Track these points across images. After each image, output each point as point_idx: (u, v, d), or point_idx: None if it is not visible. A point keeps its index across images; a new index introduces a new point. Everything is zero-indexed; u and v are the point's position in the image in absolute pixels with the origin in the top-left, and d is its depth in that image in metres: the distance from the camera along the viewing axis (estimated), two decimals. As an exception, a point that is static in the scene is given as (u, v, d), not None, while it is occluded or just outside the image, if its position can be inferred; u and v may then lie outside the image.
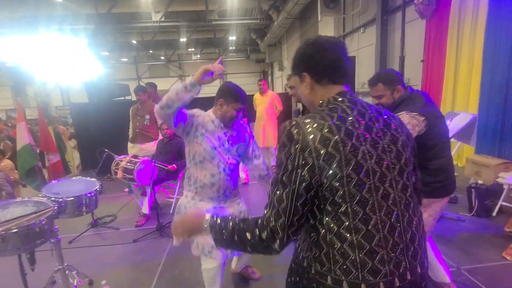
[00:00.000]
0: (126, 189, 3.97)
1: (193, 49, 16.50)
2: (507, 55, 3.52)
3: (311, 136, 0.71)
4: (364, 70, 6.97)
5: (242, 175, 4.33)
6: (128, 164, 2.86)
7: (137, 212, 3.26)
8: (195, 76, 1.41)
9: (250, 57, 18.49)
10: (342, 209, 0.71)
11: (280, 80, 16.05)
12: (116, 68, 17.70)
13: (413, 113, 1.44)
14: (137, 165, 2.82)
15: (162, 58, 17.99)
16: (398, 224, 0.74)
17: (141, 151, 3.50)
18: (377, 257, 0.71)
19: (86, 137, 5.30)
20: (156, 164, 2.83)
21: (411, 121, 1.42)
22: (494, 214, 2.77)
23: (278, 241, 0.73)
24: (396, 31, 5.91)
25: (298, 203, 0.72)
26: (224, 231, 0.80)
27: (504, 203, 2.79)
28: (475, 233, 2.50)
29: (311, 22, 10.23)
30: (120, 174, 2.83)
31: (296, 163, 0.71)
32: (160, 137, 3.44)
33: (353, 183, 0.70)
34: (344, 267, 0.71)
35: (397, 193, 0.75)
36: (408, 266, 0.73)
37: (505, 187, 2.83)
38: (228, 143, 1.62)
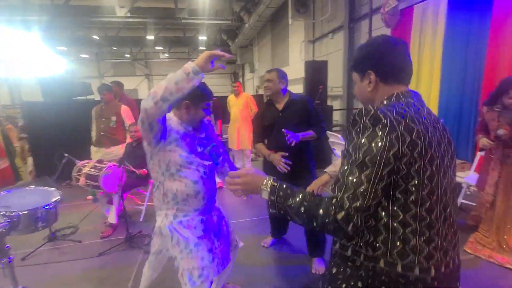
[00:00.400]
0: (89, 197, 3.64)
1: (161, 48, 15.90)
2: (463, 63, 3.85)
3: (397, 122, 0.72)
4: (333, 75, 7.21)
5: (217, 179, 4.20)
6: (92, 170, 2.61)
7: (102, 222, 3.00)
8: (200, 61, 1.14)
9: (221, 58, 18.24)
10: (412, 197, 0.74)
11: (251, 82, 16.08)
12: (75, 65, 16.41)
13: None
14: (102, 171, 2.58)
15: (127, 55, 17.06)
16: (450, 217, 0.80)
17: (106, 155, 3.23)
18: (433, 244, 0.76)
19: (41, 140, 4.77)
20: (125, 169, 2.62)
21: None
22: (455, 211, 2.99)
23: (352, 224, 0.72)
24: (363, 38, 6.20)
25: (379, 187, 0.72)
26: (290, 198, 0.79)
27: (463, 201, 3.03)
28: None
29: (282, 25, 10.39)
30: (82, 181, 2.57)
31: (382, 146, 0.71)
32: (129, 139, 3.21)
33: (427, 174, 0.74)
34: (402, 251, 0.75)
35: (450, 189, 0.81)
36: (451, 255, 0.80)
37: (464, 185, 3.08)
38: (200, 146, 1.47)
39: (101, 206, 2.89)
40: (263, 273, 2.21)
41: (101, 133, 3.29)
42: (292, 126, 2.20)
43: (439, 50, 4.17)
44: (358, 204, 0.71)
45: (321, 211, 0.74)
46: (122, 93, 3.83)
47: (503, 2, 3.21)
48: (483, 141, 2.27)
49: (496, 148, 2.27)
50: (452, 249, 0.81)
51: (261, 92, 13.71)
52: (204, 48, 16.66)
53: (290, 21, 7.82)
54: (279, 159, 2.04)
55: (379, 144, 0.71)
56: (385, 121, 0.72)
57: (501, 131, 2.10)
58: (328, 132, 4.17)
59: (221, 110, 3.91)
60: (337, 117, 7.16)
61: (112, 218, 2.71)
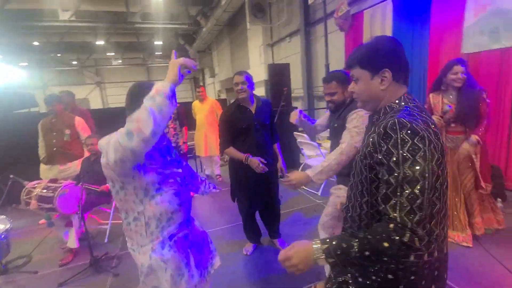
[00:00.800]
0: (42, 221, 3.24)
1: (113, 54, 14.94)
2: (409, 63, 4.22)
3: (428, 132, 0.75)
4: (293, 76, 7.43)
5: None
6: (45, 191, 2.31)
7: (60, 247, 2.67)
8: (173, 76, 1.05)
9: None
10: (437, 193, 0.77)
11: (212, 86, 15.90)
12: (14, 74, 14.64)
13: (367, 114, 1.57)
14: (57, 191, 2.31)
15: (75, 62, 15.72)
16: (446, 214, 0.87)
17: (62, 173, 2.91)
18: (444, 230, 0.85)
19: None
20: (85, 187, 2.37)
21: (365, 120, 1.54)
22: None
23: (418, 239, 0.71)
24: (319, 41, 6.51)
25: (434, 196, 0.74)
26: (350, 251, 0.76)
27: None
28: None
29: (240, 29, 10.46)
30: (34, 204, 2.26)
31: (426, 157, 0.73)
32: (86, 153, 2.93)
33: (446, 172, 0.80)
34: (428, 242, 0.76)
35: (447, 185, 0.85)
36: (446, 240, 0.89)
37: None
38: (167, 153, 1.31)
39: (58, 230, 2.57)
40: (247, 279, 2.16)
41: (53, 148, 2.95)
42: (265, 128, 2.22)
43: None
44: (418, 219, 0.71)
45: (385, 244, 0.72)
46: (74, 104, 3.50)
47: (439, 7, 3.61)
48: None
49: (441, 129, 2.46)
50: (446, 234, 0.90)
51: (223, 96, 13.62)
52: (160, 53, 16.07)
53: (248, 25, 7.90)
54: (258, 163, 2.05)
55: (424, 156, 0.73)
56: (422, 134, 0.74)
57: (446, 107, 2.28)
58: (295, 133, 4.27)
59: (185, 117, 3.79)
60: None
61: (72, 242, 2.43)
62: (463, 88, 2.26)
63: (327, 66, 6.11)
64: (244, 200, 2.35)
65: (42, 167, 3.04)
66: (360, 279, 0.90)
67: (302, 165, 4.60)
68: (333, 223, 1.77)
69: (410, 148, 0.74)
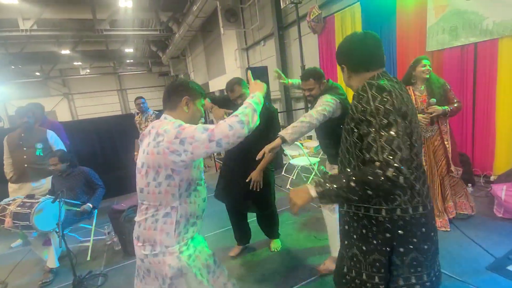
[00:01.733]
0: (16, 242, 2.99)
1: (80, 63, 14.26)
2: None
3: (394, 89, 0.93)
4: (270, 79, 7.54)
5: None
6: (20, 208, 2.15)
7: (38, 270, 2.49)
8: (262, 90, 1.28)
9: (152, 70, 17.34)
10: (414, 150, 0.94)
11: (188, 93, 15.66)
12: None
13: (334, 97, 1.73)
14: (34, 208, 2.15)
15: (38, 73, 14.80)
16: (425, 173, 1.07)
17: (35, 190, 2.72)
18: (425, 186, 1.00)
19: None
20: (64, 202, 2.23)
21: (332, 103, 1.71)
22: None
23: (402, 176, 0.81)
24: (294, 44, 6.66)
25: (406, 145, 0.86)
26: (338, 181, 0.87)
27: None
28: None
29: (214, 34, 10.43)
30: (9, 222, 2.10)
31: (395, 107, 0.88)
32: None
33: (418, 131, 0.99)
34: (411, 196, 0.96)
35: (421, 143, 1.02)
36: (430, 197, 1.04)
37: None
38: None
39: (35, 250, 2.40)
40: (239, 283, 2.14)
41: (24, 165, 2.75)
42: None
43: (360, 51, 4.74)
44: (399, 157, 0.81)
45: (370, 177, 0.82)
46: (43, 117, 3.30)
47: (404, 8, 3.85)
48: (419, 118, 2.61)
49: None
50: (428, 191, 1.04)
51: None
52: (131, 60, 15.59)
53: (221, 30, 7.91)
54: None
55: (393, 105, 0.88)
56: (389, 89, 0.91)
57: (431, 101, 2.40)
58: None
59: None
60: (279, 119, 7.48)
61: (52, 262, 2.26)
62: (431, 79, 2.49)
63: (303, 67, 6.26)
64: (228, 198, 2.32)
65: (12, 186, 2.82)
66: (364, 248, 1.03)
67: (285, 165, 4.65)
68: None
69: (381, 101, 0.89)
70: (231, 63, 9.65)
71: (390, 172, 0.80)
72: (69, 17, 9.58)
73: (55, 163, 2.57)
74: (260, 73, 5.13)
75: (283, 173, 4.55)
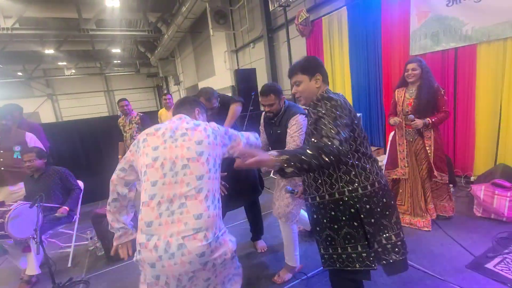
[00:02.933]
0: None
1: (64, 63, 13.90)
2: (366, 66, 4.54)
3: (342, 100, 1.25)
4: (259, 81, 7.56)
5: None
6: (-7, 216, 2.06)
7: (16, 279, 2.38)
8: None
9: (140, 71, 17.08)
10: (359, 141, 1.25)
11: (178, 94, 15.51)
12: None
13: (303, 115, 1.87)
14: (8, 216, 2.06)
15: (20, 73, 14.33)
16: (372, 157, 1.32)
17: (12, 194, 2.62)
18: (375, 165, 1.27)
19: None
20: (41, 207, 2.15)
21: (304, 122, 1.85)
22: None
23: (332, 156, 1.07)
24: (282, 47, 6.70)
25: (348, 131, 1.17)
26: (297, 153, 1.08)
27: (384, 181, 3.53)
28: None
29: (204, 36, 10.38)
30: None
31: (341, 109, 1.18)
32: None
33: (359, 131, 1.27)
34: (366, 175, 1.23)
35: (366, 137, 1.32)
36: (380, 174, 1.29)
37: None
38: None
39: (13, 259, 2.30)
40: None
41: (1, 168, 2.64)
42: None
43: (346, 55, 4.83)
44: (342, 136, 1.11)
45: (322, 144, 1.09)
46: (21, 118, 3.18)
47: (388, 14, 3.94)
48: (394, 120, 2.66)
49: (400, 126, 2.68)
50: (378, 170, 1.29)
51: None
52: (119, 61, 15.32)
53: (211, 32, 7.88)
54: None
55: (339, 109, 1.18)
56: (336, 99, 1.22)
57: (410, 116, 2.48)
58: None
59: (151, 125, 3.65)
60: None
61: (32, 270, 2.17)
62: (422, 84, 2.50)
63: (291, 70, 6.29)
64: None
65: (-13, 190, 2.71)
66: (335, 226, 1.25)
67: (271, 173, 4.65)
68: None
69: (330, 106, 1.20)
70: (220, 65, 9.62)
71: (336, 144, 1.07)
72: (53, 16, 9.32)
73: (31, 159, 2.43)
74: (248, 75, 5.14)
75: (271, 175, 4.56)
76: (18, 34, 8.79)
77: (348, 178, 1.21)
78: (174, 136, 1.22)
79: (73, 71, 15.21)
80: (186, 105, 1.45)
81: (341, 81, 5.09)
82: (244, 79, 5.01)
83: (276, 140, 1.99)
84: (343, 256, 1.24)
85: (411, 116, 2.48)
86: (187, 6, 8.14)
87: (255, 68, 5.36)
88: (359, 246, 1.21)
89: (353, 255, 1.22)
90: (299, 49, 6.03)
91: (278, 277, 2.07)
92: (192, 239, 1.08)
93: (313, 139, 1.14)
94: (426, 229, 2.55)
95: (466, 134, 3.41)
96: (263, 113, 2.13)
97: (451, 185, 3.19)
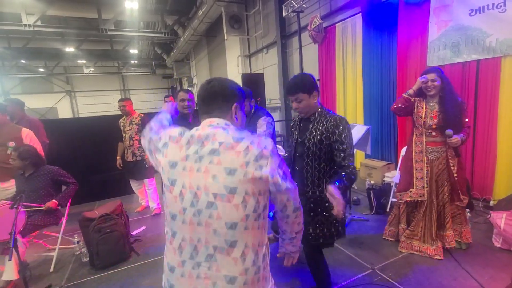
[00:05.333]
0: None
1: (84, 61, 14.31)
2: (379, 76, 4.31)
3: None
4: (270, 87, 7.44)
5: (152, 204, 3.76)
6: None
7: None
8: None
9: (156, 72, 17.37)
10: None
11: (190, 96, 15.63)
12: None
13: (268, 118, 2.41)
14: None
15: (42, 70, 14.86)
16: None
17: (2, 192, 2.58)
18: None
19: None
20: (24, 208, 2.08)
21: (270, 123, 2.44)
22: (388, 210, 3.22)
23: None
24: (295, 53, 6.56)
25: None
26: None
27: (393, 200, 3.28)
28: (379, 231, 2.79)
29: (218, 40, 10.41)
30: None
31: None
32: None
33: None
34: (326, 182, 1.55)
35: None
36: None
37: (392, 185, 3.35)
38: None
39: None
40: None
41: (-7, 164, 2.61)
42: None
43: (359, 63, 4.62)
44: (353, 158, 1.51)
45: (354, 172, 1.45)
46: (22, 113, 3.17)
47: (405, 22, 3.72)
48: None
49: (420, 141, 2.36)
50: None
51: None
52: (136, 62, 15.63)
53: (225, 36, 7.86)
54: None
55: (350, 130, 1.54)
56: (346, 119, 1.57)
57: (449, 132, 2.12)
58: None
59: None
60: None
61: (10, 274, 2.07)
62: (444, 97, 2.22)
63: (302, 77, 6.13)
64: None
65: (-19, 185, 2.68)
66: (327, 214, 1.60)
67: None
68: None
69: (348, 131, 1.52)
70: (233, 69, 9.58)
71: (354, 165, 1.52)
72: (74, 15, 9.61)
73: (13, 158, 2.40)
74: (256, 80, 5.02)
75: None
76: (40, 31, 9.07)
77: (324, 182, 1.57)
78: (200, 152, 0.85)
79: (92, 69, 15.64)
80: (218, 101, 0.95)
81: (352, 91, 4.88)
82: (252, 84, 4.89)
83: None
84: (320, 234, 1.62)
85: (450, 131, 2.12)
86: (203, 10, 8.18)
87: (262, 73, 5.23)
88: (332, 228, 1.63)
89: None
90: (311, 57, 5.87)
91: None
92: None
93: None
94: (437, 257, 2.30)
95: (486, 153, 3.12)
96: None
97: (467, 210, 2.91)
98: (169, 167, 0.87)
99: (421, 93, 2.35)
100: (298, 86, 1.52)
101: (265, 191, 0.88)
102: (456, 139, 2.12)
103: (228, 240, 0.82)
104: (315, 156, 1.53)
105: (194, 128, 0.91)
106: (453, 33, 3.20)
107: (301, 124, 1.66)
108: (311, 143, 1.53)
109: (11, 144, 2.61)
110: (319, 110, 1.58)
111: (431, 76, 2.23)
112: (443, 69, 3.35)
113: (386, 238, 2.63)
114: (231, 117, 0.96)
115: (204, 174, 0.82)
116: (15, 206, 1.82)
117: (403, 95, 2.35)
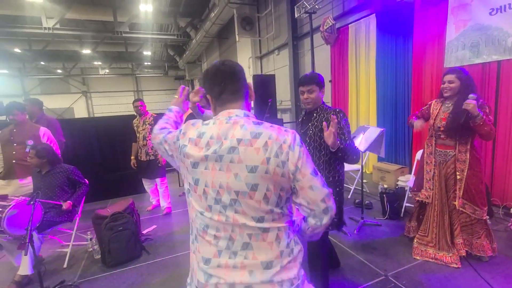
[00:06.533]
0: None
1: (100, 63, 14.69)
2: (393, 77, 4.22)
3: None
4: (282, 89, 7.41)
5: (163, 203, 3.80)
6: (-7, 210, 2.06)
7: (11, 278, 2.33)
8: None
9: (168, 74, 17.66)
10: None
11: (202, 98, 15.77)
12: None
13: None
14: (6, 212, 2.05)
15: (60, 71, 15.36)
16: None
17: (20, 188, 2.65)
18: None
19: None
20: (41, 204, 2.13)
21: None
22: (401, 215, 3.12)
23: None
24: (306, 55, 6.51)
25: None
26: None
27: (407, 204, 3.19)
28: (392, 236, 2.72)
29: (230, 42, 10.47)
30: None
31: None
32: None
33: None
34: None
35: None
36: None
37: (407, 189, 3.25)
38: None
39: (9, 254, 2.29)
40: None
41: (13, 161, 2.70)
42: None
43: (373, 64, 4.53)
44: None
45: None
46: (41, 113, 3.27)
47: (422, 22, 3.62)
48: (416, 123, 2.36)
49: (430, 143, 2.34)
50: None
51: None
52: (149, 63, 15.93)
53: (237, 37, 7.90)
54: None
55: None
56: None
57: (470, 96, 1.98)
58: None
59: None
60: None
61: (25, 269, 2.12)
62: (459, 100, 2.12)
63: (313, 78, 6.08)
64: None
65: (0, 182, 2.77)
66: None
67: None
68: None
69: (343, 120, 1.70)
70: (244, 70, 9.61)
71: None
72: (91, 18, 9.89)
73: (31, 156, 2.47)
74: (267, 81, 5.01)
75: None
76: (58, 34, 9.38)
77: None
78: (219, 152, 0.84)
79: (107, 70, 16.04)
80: (234, 80, 0.93)
81: (365, 92, 4.79)
82: (263, 85, 4.88)
83: None
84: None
85: (474, 95, 1.98)
86: (215, 12, 8.26)
87: (274, 75, 5.21)
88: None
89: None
90: (323, 58, 5.82)
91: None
92: None
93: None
94: (454, 265, 2.20)
95: (507, 158, 2.99)
96: None
97: (487, 217, 2.79)
98: (191, 167, 0.88)
99: (441, 95, 2.29)
100: (314, 78, 1.76)
101: (287, 189, 0.87)
102: (473, 104, 1.94)
103: (261, 227, 0.84)
104: (316, 143, 1.73)
105: (211, 121, 0.89)
106: (473, 33, 3.09)
107: (305, 117, 1.89)
108: (312, 132, 1.75)
109: (30, 142, 2.69)
110: (321, 106, 1.81)
111: (448, 77, 2.16)
112: (461, 70, 3.26)
113: (406, 235, 2.68)
114: (244, 104, 0.95)
115: (227, 173, 0.83)
116: (32, 202, 1.87)
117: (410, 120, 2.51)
